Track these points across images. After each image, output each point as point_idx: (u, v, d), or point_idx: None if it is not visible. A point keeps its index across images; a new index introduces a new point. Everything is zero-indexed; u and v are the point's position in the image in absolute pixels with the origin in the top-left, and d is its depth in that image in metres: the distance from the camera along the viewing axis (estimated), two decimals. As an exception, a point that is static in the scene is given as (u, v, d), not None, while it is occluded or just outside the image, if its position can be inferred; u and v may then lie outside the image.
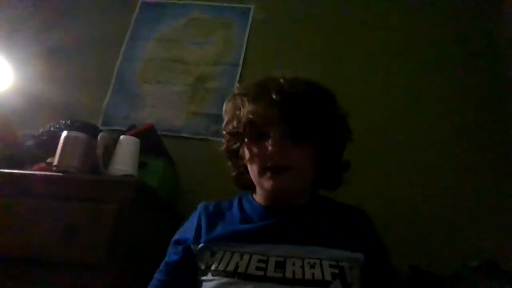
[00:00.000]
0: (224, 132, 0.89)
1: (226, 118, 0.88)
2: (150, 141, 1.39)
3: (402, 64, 1.70)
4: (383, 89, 1.67)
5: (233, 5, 1.93)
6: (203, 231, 0.84)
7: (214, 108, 1.70)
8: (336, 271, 0.72)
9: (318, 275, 0.71)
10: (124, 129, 1.53)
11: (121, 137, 1.28)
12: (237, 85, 0.87)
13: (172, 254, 0.87)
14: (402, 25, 1.78)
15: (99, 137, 1.23)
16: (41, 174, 1.17)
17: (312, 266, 0.72)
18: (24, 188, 1.14)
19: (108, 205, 1.08)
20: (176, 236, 0.90)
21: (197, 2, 1.96)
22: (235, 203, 0.92)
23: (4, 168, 1.19)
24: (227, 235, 0.81)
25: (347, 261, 0.75)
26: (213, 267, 0.76)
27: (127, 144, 1.26)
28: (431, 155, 1.53)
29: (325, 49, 1.78)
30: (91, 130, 1.32)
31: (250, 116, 0.79)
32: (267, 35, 1.84)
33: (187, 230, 0.88)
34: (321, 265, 0.72)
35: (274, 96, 0.78)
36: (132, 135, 1.33)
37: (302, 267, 0.72)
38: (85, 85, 1.83)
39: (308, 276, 0.71)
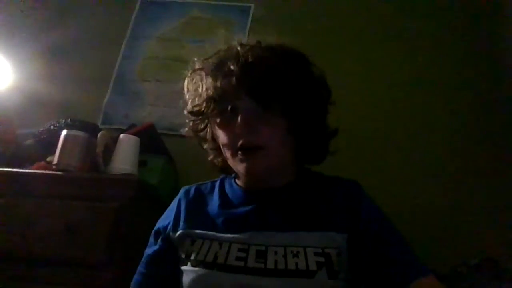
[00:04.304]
0: (185, 113, 0.81)
1: (187, 97, 0.80)
2: (150, 140, 1.39)
3: (402, 65, 1.70)
4: (382, 88, 1.66)
5: (233, 3, 1.93)
6: (182, 217, 0.79)
7: (214, 107, 1.70)
8: (322, 259, 0.66)
9: (302, 264, 0.65)
10: (124, 127, 1.53)
11: (121, 135, 1.28)
12: (195, 59, 0.81)
13: (152, 245, 0.82)
14: (402, 25, 1.77)
15: (99, 136, 1.23)
16: (41, 173, 1.17)
17: (296, 255, 0.66)
18: (24, 187, 1.14)
19: (108, 204, 1.08)
20: (157, 225, 0.84)
21: (197, 1, 1.96)
22: (217, 186, 0.85)
23: (4, 168, 1.19)
24: (205, 222, 0.76)
25: (335, 246, 0.68)
26: (192, 257, 0.71)
27: (127, 143, 1.26)
28: (431, 154, 1.53)
29: (325, 47, 1.77)
30: (91, 129, 1.32)
31: (209, 92, 0.72)
32: (267, 33, 1.83)
33: (166, 217, 0.83)
34: (305, 254, 0.66)
35: (231, 66, 0.70)
36: (132, 133, 1.33)
37: (285, 256, 0.66)
38: (85, 84, 1.82)
39: (291, 266, 0.65)
